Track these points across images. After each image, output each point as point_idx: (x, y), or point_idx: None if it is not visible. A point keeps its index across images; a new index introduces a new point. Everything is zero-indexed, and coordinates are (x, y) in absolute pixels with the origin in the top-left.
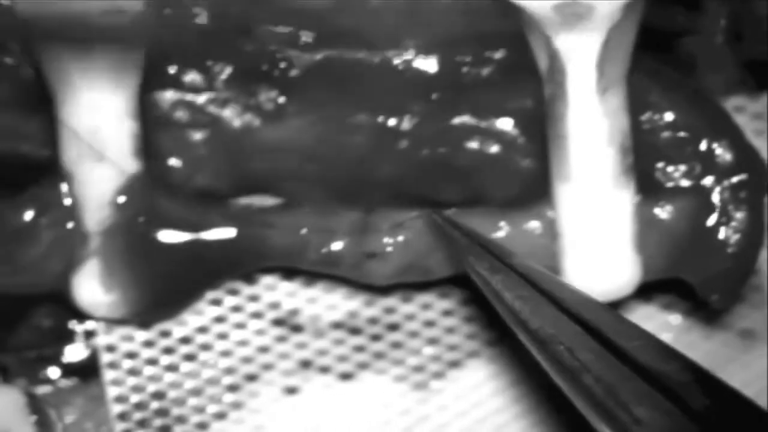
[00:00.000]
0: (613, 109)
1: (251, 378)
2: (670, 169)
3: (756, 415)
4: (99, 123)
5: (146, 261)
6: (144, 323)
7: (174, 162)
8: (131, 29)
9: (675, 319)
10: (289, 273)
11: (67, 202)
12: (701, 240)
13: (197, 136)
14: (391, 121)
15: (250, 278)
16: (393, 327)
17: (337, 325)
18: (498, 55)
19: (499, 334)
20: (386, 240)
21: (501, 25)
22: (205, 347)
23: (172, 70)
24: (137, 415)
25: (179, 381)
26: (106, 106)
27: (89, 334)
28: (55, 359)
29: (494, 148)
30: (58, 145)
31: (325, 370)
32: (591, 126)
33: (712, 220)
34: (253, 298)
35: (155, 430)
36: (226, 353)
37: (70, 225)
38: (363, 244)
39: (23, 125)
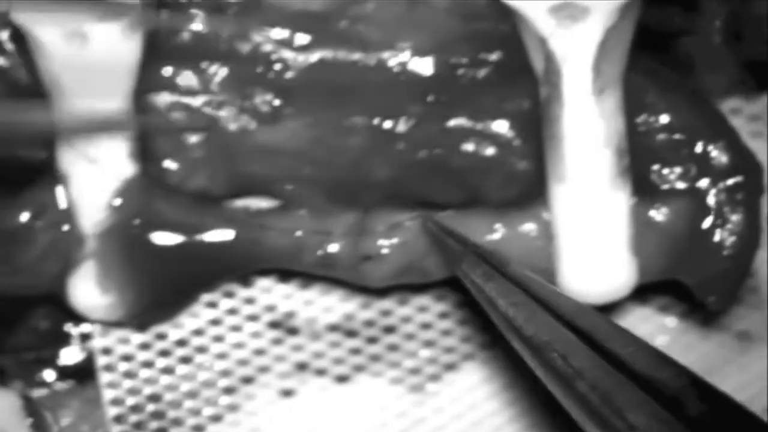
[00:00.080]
0: (609, 110)
1: (247, 380)
2: (666, 171)
3: (750, 421)
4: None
5: (142, 263)
6: (140, 326)
7: (170, 164)
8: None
9: (671, 321)
10: (285, 275)
11: (64, 204)
12: (698, 242)
13: (193, 138)
14: (387, 123)
15: (246, 281)
16: (389, 329)
17: (333, 328)
18: (494, 56)
19: (495, 336)
20: (382, 242)
21: (497, 26)
22: (201, 350)
23: (167, 72)
24: (133, 418)
25: (175, 383)
26: (102, 109)
27: (85, 337)
28: (52, 362)
29: (490, 150)
30: (55, 148)
31: (321, 372)
32: (587, 127)
33: (708, 222)
34: (249, 301)
35: None
36: (222, 356)
37: (66, 227)
38: (359, 246)
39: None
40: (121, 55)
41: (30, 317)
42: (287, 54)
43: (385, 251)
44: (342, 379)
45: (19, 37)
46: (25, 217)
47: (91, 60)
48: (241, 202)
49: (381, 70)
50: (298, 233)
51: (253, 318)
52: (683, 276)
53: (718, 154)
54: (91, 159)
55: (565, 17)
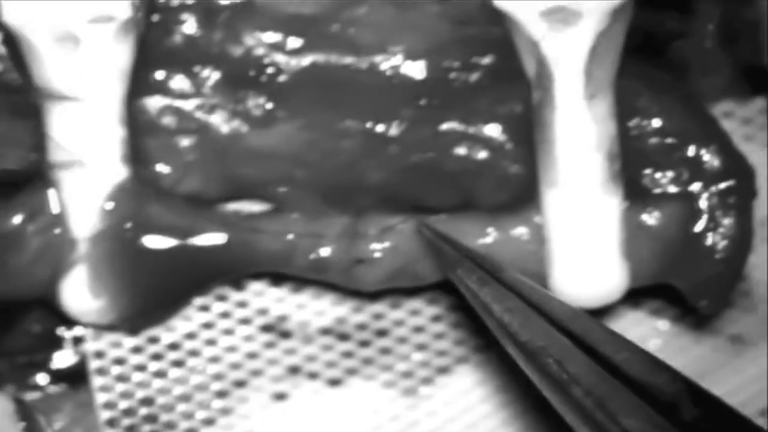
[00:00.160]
0: (601, 114)
1: (240, 384)
2: (657, 175)
3: (745, 427)
4: (86, 129)
5: (134, 267)
6: (132, 329)
7: (162, 168)
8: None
9: (664, 324)
10: (277, 279)
11: (55, 208)
12: (689, 246)
13: (185, 142)
14: (380, 127)
15: (238, 284)
16: (382, 333)
17: (325, 331)
18: (486, 60)
19: (488, 340)
20: (375, 246)
21: (489, 30)
22: (194, 353)
23: (159, 75)
24: (126, 422)
25: (168, 387)
26: (94, 112)
27: (78, 340)
28: (44, 365)
29: (482, 154)
30: (46, 152)
31: (313, 376)
32: (579, 131)
33: (700, 226)
34: (242, 304)
35: None
36: (214, 359)
37: (57, 231)
38: (351, 250)
39: (11, 131)
40: (114, 58)
41: (23, 321)
42: (279, 57)
43: (377, 255)
44: (335, 382)
45: (10, 40)
46: (17, 220)
47: (83, 63)
48: (233, 206)
49: (373, 73)
50: (291, 237)
51: (245, 321)
52: (675, 280)
53: (710, 158)
54: (83, 163)
55: (557, 21)
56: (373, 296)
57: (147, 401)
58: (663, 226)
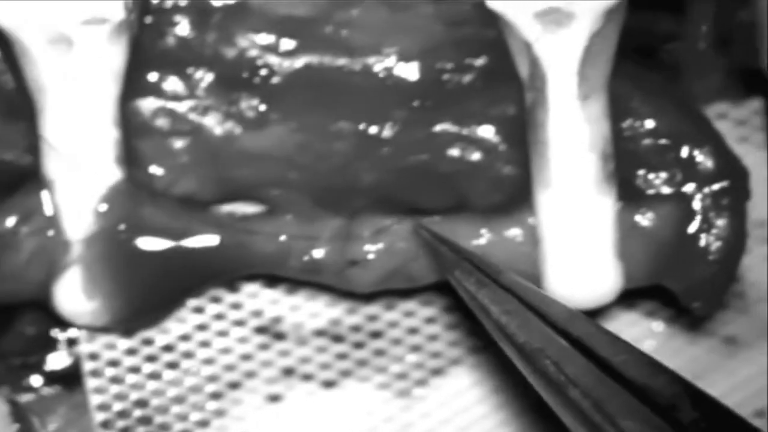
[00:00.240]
0: (595, 115)
1: (234, 386)
2: (651, 176)
3: (743, 429)
4: (80, 130)
5: (128, 268)
6: (126, 331)
7: (156, 169)
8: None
9: (658, 326)
10: (271, 280)
11: (49, 210)
12: (683, 247)
13: (179, 143)
14: (373, 129)
15: (232, 286)
16: (376, 335)
17: (319, 333)
18: (479, 62)
19: (482, 341)
20: (368, 247)
21: (482, 32)
22: (188, 355)
23: (153, 77)
24: (120, 423)
25: (162, 389)
26: (87, 114)
27: (72, 342)
28: (38, 367)
29: (476, 155)
30: (40, 153)
31: (308, 377)
32: (572, 132)
33: (693, 228)
34: (236, 306)
35: None
36: (208, 361)
37: (51, 233)
38: (345, 252)
39: (5, 133)
40: (107, 60)
41: (17, 322)
42: (273, 59)
43: (371, 256)
44: (329, 384)
45: (3, 41)
46: (10, 222)
47: (77, 65)
48: (227, 207)
49: (366, 75)
50: (284, 238)
51: (239, 323)
52: (669, 281)
53: (703, 159)
54: (77, 164)
55: (551, 22)
56: (368, 298)
57: (141, 403)
58: (657, 227)
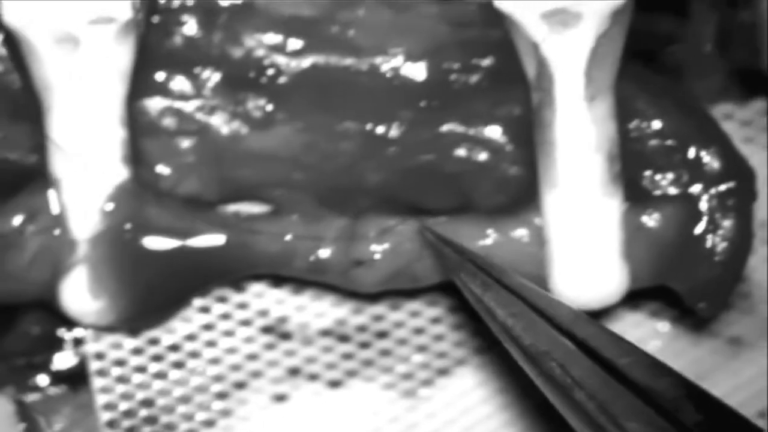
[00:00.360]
0: (601, 116)
1: (240, 386)
2: (657, 176)
3: (746, 430)
4: (87, 130)
5: (134, 268)
6: (132, 330)
7: (162, 169)
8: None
9: (663, 326)
10: (277, 280)
11: (55, 209)
12: (689, 248)
13: (185, 143)
14: (379, 129)
15: (238, 286)
16: (381, 335)
17: (325, 333)
18: (486, 62)
19: (488, 341)
20: (374, 247)
21: (489, 32)
22: (194, 355)
23: (160, 77)
24: (126, 423)
25: (168, 388)
26: (94, 113)
27: (78, 342)
28: (44, 367)
29: (482, 156)
30: (46, 152)
31: (313, 377)
32: (578, 133)
33: (699, 228)
34: (242, 306)
35: None
36: (214, 361)
37: (57, 232)
38: (350, 252)
39: (12, 132)
40: (114, 60)
41: (22, 322)
42: (280, 59)
43: (376, 257)
44: (334, 384)
45: (10, 41)
46: (16, 221)
47: (83, 64)
48: (232, 207)
49: (373, 75)
50: (290, 238)
51: (245, 323)
52: (674, 282)
53: (710, 160)
54: (83, 163)
55: (558, 23)
56: (373, 298)
57: (147, 403)
58: (663, 227)
